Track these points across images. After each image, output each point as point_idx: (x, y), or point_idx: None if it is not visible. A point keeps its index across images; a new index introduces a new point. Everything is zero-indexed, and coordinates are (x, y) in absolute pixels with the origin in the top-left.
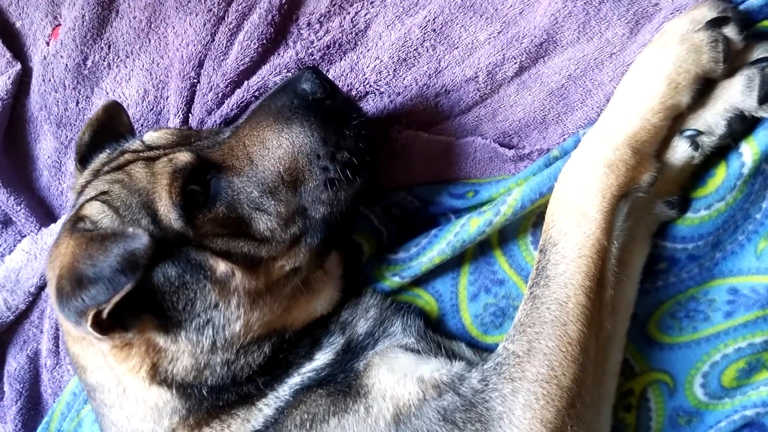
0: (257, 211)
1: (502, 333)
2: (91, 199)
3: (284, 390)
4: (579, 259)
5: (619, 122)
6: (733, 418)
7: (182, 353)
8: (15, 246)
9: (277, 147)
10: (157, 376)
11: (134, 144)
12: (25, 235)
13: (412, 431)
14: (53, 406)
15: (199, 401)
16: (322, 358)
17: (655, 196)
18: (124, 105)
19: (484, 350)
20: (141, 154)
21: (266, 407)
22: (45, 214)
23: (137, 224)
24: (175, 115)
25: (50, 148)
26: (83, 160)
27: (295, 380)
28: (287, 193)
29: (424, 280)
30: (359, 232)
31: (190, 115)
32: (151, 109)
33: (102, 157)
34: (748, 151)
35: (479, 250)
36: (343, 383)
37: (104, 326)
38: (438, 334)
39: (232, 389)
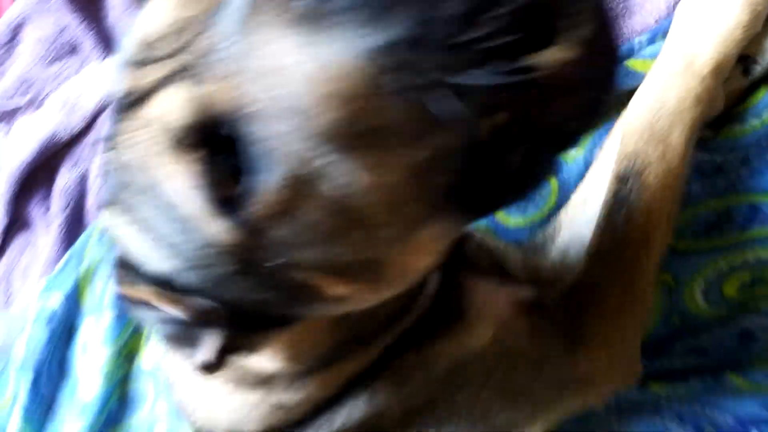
0: None
1: (525, 217)
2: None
3: None
4: (663, 190)
5: (702, 52)
6: (729, 327)
7: None
8: (79, 71)
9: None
10: None
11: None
12: (89, 63)
13: None
14: (96, 220)
15: None
16: None
17: None
18: None
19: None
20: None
21: None
22: (111, 46)
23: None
24: None
25: None
26: None
27: None
28: None
29: None
30: None
31: None
32: None
33: None
34: None
35: None
36: None
37: None
38: None
39: None
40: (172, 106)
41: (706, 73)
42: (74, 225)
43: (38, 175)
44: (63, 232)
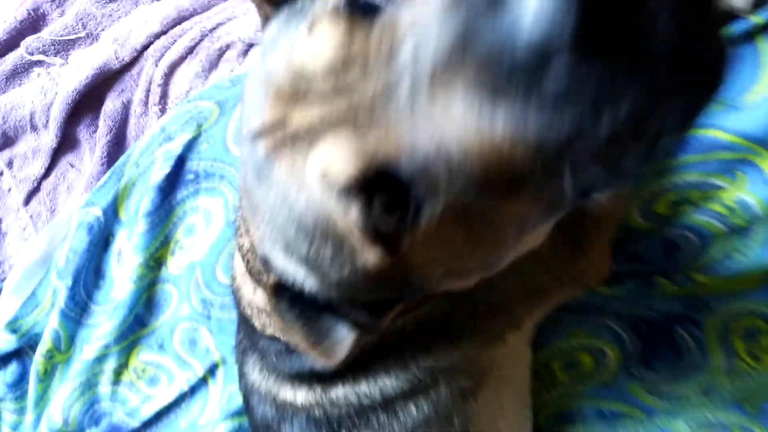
0: None
1: None
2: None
3: None
4: None
5: None
6: (658, 238)
7: None
8: (130, 12)
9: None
10: None
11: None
12: (140, 5)
13: None
14: (136, 143)
15: None
16: None
17: None
18: None
19: None
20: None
21: None
22: None
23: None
24: None
25: None
26: None
27: None
28: None
29: None
30: None
31: None
32: None
33: None
34: None
35: None
36: None
37: None
38: None
39: None
40: (339, 159)
41: None
42: (116, 147)
43: (88, 101)
44: (106, 153)
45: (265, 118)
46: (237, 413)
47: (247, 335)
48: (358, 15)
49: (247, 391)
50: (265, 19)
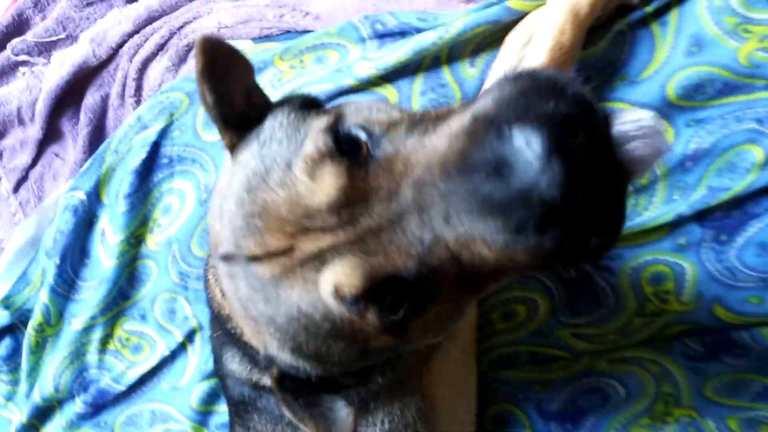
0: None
1: None
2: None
3: None
4: None
5: None
6: None
7: None
8: (105, 14)
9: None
10: None
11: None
12: (114, 6)
13: None
14: (114, 132)
15: None
16: None
17: None
18: None
19: None
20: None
21: None
22: None
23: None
24: None
25: None
26: (226, 118)
27: None
28: None
29: (390, 77)
30: None
31: None
32: None
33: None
34: None
35: (431, 64)
36: None
37: None
38: None
39: None
40: (349, 277)
41: None
42: (96, 137)
43: (69, 96)
44: (87, 142)
45: (270, 247)
46: (214, 374)
47: (225, 332)
48: (351, 158)
49: (223, 376)
50: (231, 146)
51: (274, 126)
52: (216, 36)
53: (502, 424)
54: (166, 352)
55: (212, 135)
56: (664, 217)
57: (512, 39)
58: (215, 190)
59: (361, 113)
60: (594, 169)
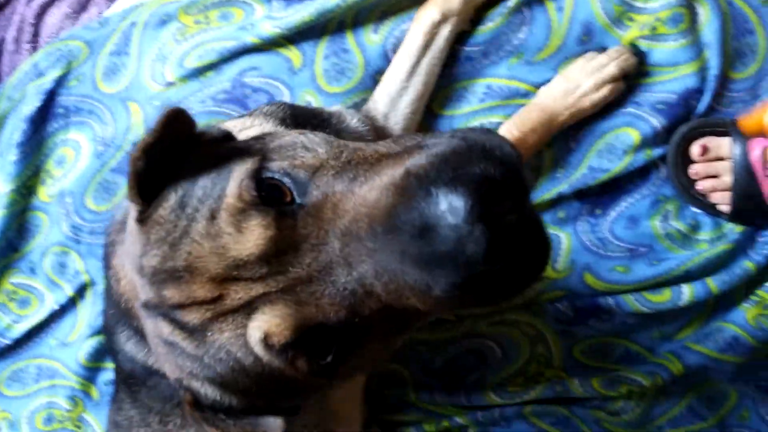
0: None
1: (340, 86)
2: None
3: None
4: None
5: None
6: None
7: None
8: None
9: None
10: None
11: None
12: None
13: None
14: (8, 78)
15: None
16: None
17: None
18: None
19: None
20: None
21: None
22: None
23: None
24: None
25: None
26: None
27: None
28: None
29: (294, 39)
30: None
31: None
32: None
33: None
34: None
35: (336, 27)
36: None
37: None
38: None
39: None
40: (277, 326)
41: None
42: None
43: None
44: None
45: (197, 297)
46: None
47: (122, 312)
48: (277, 206)
49: (115, 351)
50: (141, 213)
51: (193, 173)
52: (184, 110)
53: (388, 382)
54: (55, 307)
55: (111, 87)
56: (548, 194)
57: (422, 17)
58: (126, 252)
59: (285, 153)
60: (516, 235)
